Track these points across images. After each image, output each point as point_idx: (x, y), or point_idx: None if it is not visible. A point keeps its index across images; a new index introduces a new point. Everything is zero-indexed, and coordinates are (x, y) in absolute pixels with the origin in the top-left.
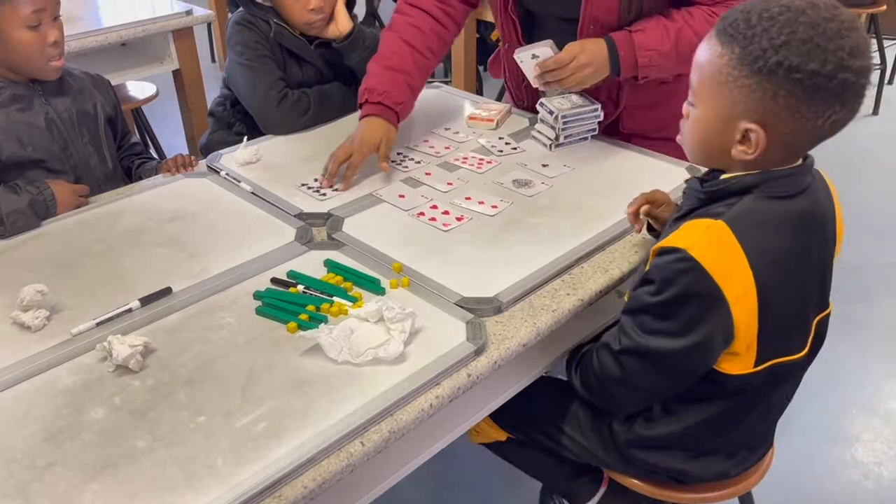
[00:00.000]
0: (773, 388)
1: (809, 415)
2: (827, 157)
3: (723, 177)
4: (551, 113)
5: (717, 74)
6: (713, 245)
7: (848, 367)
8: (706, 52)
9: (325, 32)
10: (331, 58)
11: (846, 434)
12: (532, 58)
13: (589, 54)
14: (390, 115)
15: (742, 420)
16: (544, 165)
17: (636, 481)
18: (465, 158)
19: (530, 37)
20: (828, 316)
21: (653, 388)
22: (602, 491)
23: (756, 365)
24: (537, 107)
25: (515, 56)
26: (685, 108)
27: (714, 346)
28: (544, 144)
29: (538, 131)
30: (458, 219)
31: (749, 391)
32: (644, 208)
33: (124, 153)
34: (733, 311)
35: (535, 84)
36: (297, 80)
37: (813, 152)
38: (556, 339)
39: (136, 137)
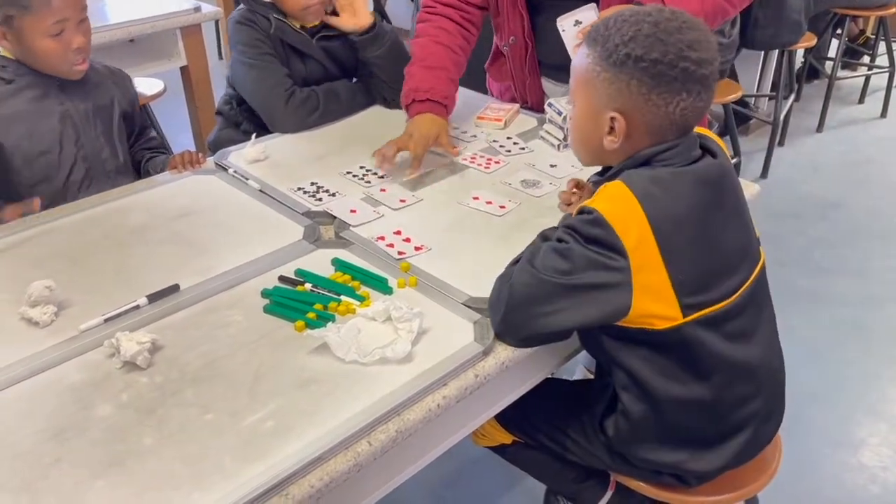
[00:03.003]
0: (718, 340)
1: (815, 419)
2: (834, 159)
3: (614, 167)
4: (560, 113)
5: (585, 73)
6: (610, 197)
7: (854, 372)
8: (578, 57)
9: (342, 24)
10: (334, 52)
11: (852, 438)
12: (575, 24)
13: None
14: (439, 109)
15: (699, 379)
16: (552, 166)
17: (642, 483)
18: (473, 158)
19: (536, 28)
20: (763, 268)
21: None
22: (609, 494)
23: (685, 317)
24: (545, 107)
25: (558, 24)
26: (570, 109)
27: (607, 291)
28: (552, 145)
29: (546, 132)
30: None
31: (685, 341)
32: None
33: (139, 147)
34: (631, 258)
35: (574, 55)
36: (301, 76)
37: (821, 155)
38: None
39: (154, 133)
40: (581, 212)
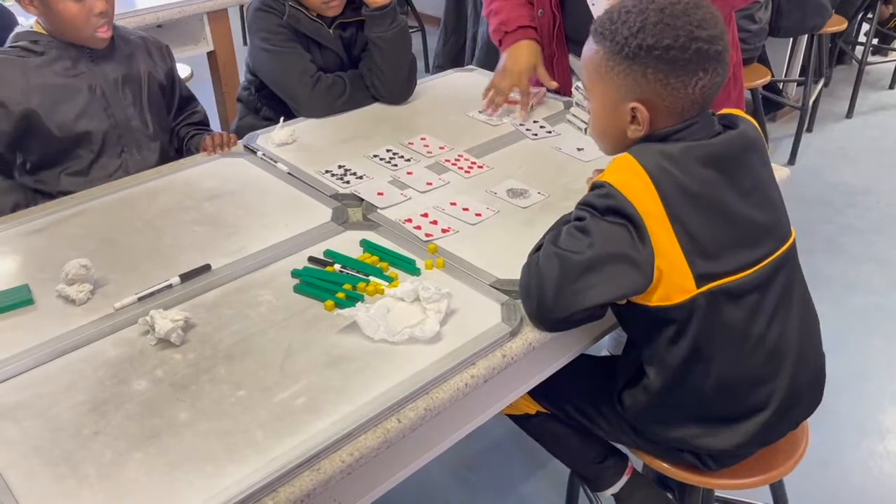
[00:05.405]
0: (735, 316)
1: (841, 407)
2: (864, 145)
3: None
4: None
5: (598, 69)
6: (619, 169)
7: (880, 360)
8: (587, 53)
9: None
10: (350, 41)
11: (878, 426)
12: None
13: None
14: (532, 34)
15: (718, 355)
16: (579, 149)
17: (665, 464)
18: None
19: (564, 1)
20: (793, 245)
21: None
22: (625, 479)
23: (698, 287)
24: (573, 90)
25: None
26: (587, 105)
27: (631, 259)
28: (579, 128)
29: (573, 115)
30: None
31: (701, 314)
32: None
33: (183, 122)
34: (648, 225)
35: None
36: (318, 65)
37: (850, 141)
38: None
39: (200, 107)
40: (593, 187)
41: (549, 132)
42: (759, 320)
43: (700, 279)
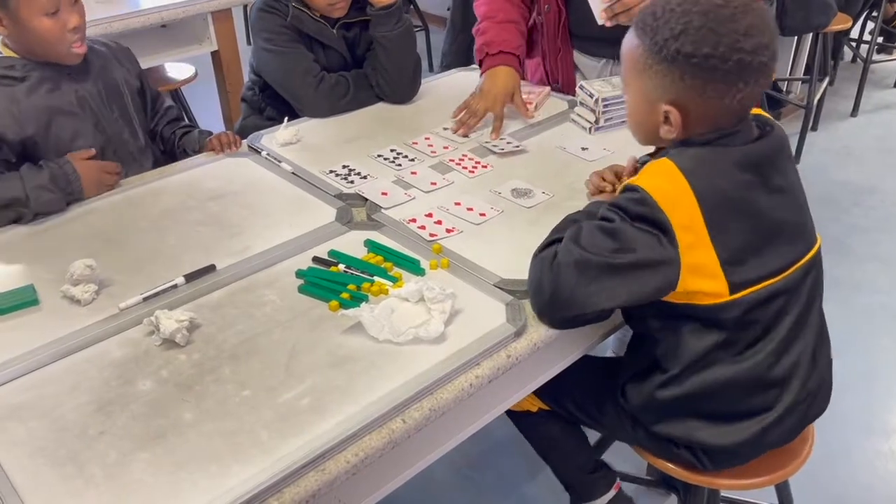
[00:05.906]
0: (763, 316)
1: (847, 407)
2: (869, 144)
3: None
4: (591, 96)
5: (636, 63)
6: (657, 174)
7: (887, 360)
8: (627, 44)
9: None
10: (353, 41)
11: (885, 426)
12: None
13: None
14: (513, 61)
15: (735, 354)
16: (583, 149)
17: (668, 463)
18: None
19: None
20: (819, 250)
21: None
22: (611, 494)
23: (731, 293)
24: (577, 89)
25: None
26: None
27: (655, 269)
28: (584, 128)
29: (578, 114)
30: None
31: (731, 317)
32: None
33: (161, 122)
34: (678, 235)
35: (601, 20)
36: (322, 65)
37: (855, 140)
38: None
39: (170, 101)
40: (626, 189)
41: (517, 147)
42: (781, 324)
43: (735, 287)
